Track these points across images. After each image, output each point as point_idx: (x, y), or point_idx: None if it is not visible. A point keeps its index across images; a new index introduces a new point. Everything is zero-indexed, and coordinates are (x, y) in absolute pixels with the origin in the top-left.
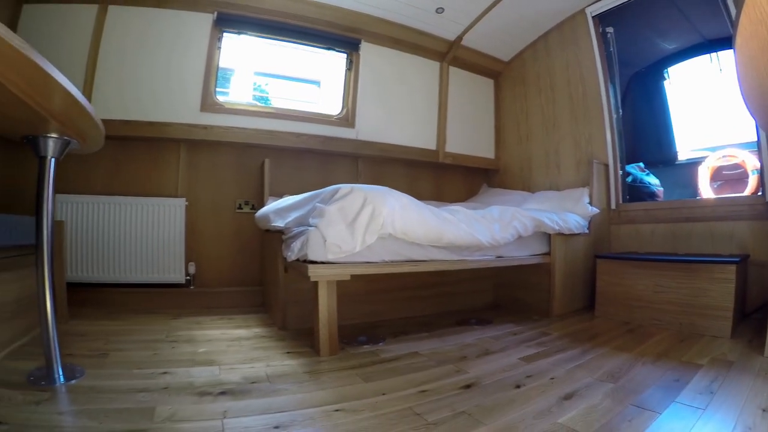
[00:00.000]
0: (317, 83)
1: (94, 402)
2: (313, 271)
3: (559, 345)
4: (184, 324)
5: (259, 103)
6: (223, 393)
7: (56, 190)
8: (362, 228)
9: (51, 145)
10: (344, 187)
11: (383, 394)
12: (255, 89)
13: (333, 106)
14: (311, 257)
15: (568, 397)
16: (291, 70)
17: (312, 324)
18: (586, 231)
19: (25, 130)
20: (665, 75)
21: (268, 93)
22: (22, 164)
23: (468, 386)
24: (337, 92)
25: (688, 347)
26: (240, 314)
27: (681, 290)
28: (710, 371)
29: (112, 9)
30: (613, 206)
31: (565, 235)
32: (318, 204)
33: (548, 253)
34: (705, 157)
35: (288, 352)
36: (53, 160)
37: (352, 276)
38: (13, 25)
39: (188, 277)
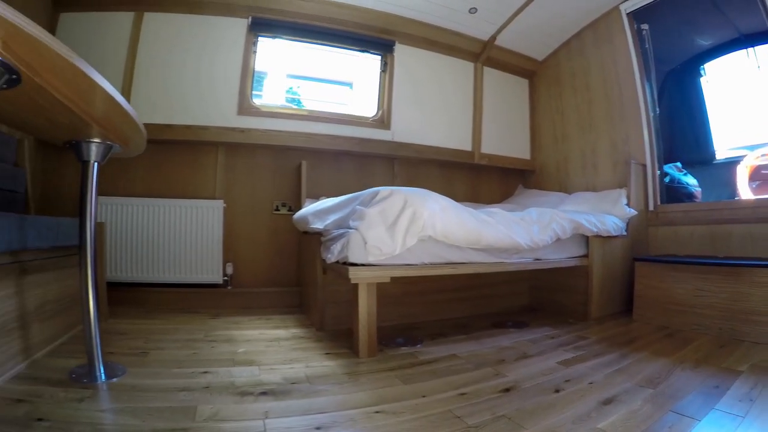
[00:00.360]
0: (349, 85)
1: (136, 400)
2: (354, 274)
3: (597, 349)
4: (223, 324)
5: (293, 106)
6: (264, 393)
7: (98, 188)
8: (402, 230)
9: (94, 149)
10: (384, 190)
11: (423, 396)
12: (287, 92)
13: (366, 108)
14: (351, 259)
15: (607, 402)
16: (323, 72)
17: (350, 325)
18: (624, 233)
19: (68, 135)
20: (701, 72)
21: (300, 95)
22: (62, 168)
23: (507, 390)
24: (370, 94)
25: (728, 353)
26: (277, 314)
27: (721, 294)
28: (750, 378)
29: (148, 16)
30: (651, 207)
31: (603, 237)
32: (358, 206)
33: (586, 256)
34: (743, 156)
35: (327, 353)
36: (96, 164)
37: (391, 278)
38: (51, 33)
39: (226, 278)
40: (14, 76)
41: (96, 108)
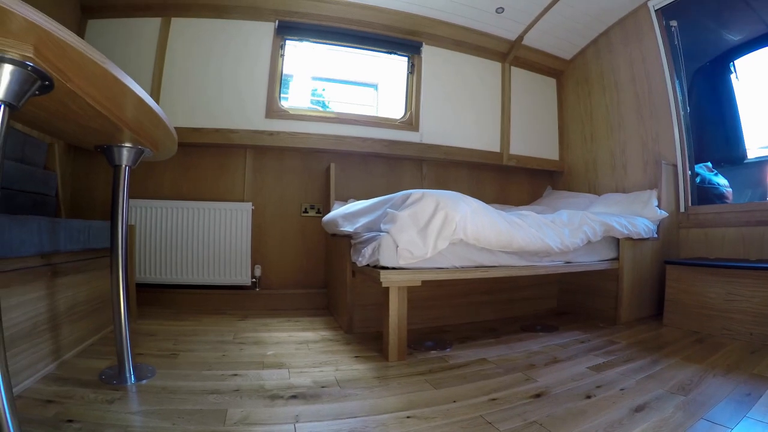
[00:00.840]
0: (374, 86)
1: (166, 402)
2: (385, 277)
3: (628, 354)
4: (251, 325)
5: (320, 108)
6: (294, 397)
7: (129, 191)
8: (434, 234)
9: (125, 154)
10: (416, 193)
11: (454, 401)
12: (312, 94)
13: (392, 110)
14: (383, 263)
15: (639, 409)
16: (348, 73)
17: (378, 328)
18: (655, 235)
19: (100, 139)
20: (731, 68)
21: (325, 98)
22: (92, 171)
23: (538, 395)
24: (395, 96)
25: (760, 359)
26: (305, 316)
27: (754, 299)
28: None
29: (176, 21)
30: (682, 209)
31: (634, 239)
32: (389, 209)
33: (617, 258)
34: None
35: (356, 357)
36: (127, 168)
37: (421, 281)
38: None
39: (254, 280)
40: (47, 83)
41: (128, 112)
